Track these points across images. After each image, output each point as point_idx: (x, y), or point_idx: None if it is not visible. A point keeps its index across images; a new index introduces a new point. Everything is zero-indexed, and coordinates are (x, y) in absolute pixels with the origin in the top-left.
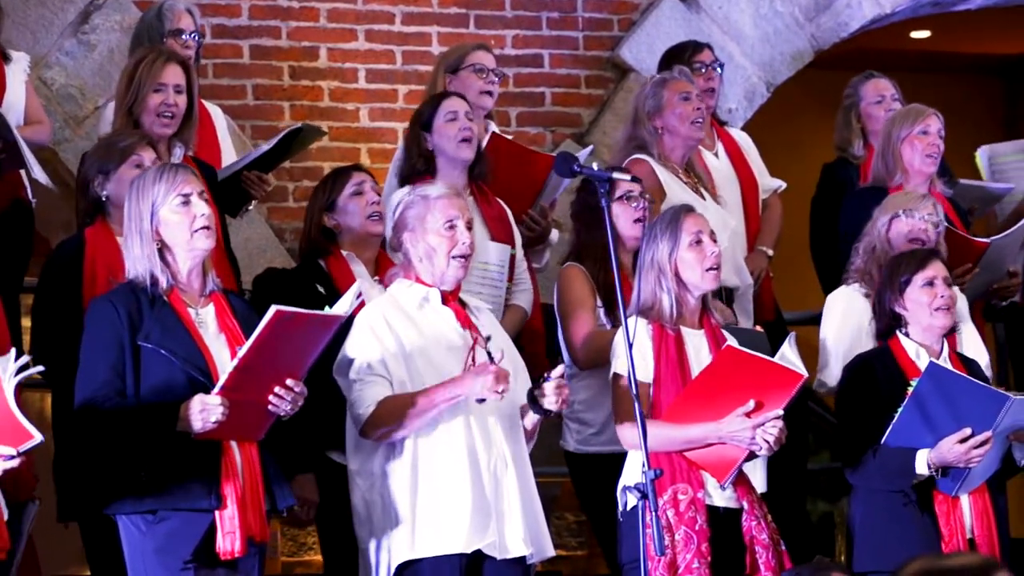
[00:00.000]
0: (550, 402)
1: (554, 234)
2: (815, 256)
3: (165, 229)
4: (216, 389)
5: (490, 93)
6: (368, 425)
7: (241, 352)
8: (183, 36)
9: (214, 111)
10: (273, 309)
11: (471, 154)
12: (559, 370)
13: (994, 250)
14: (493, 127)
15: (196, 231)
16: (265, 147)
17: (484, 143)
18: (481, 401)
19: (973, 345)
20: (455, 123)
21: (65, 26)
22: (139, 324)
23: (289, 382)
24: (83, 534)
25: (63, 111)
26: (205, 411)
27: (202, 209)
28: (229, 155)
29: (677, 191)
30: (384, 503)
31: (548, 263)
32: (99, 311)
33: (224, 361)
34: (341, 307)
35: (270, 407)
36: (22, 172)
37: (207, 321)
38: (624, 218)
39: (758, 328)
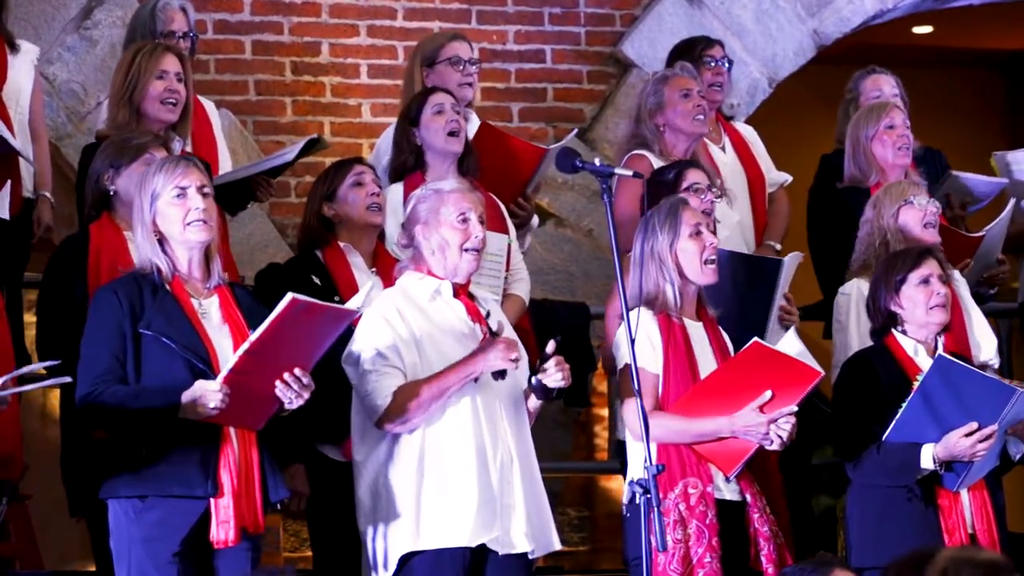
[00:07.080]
0: (555, 379)
1: (535, 219)
2: (812, 246)
3: (161, 220)
4: (223, 373)
5: (469, 84)
6: (386, 416)
7: (253, 336)
8: (175, 37)
9: (210, 107)
10: (289, 296)
11: (459, 147)
12: (552, 346)
13: (987, 240)
14: (474, 117)
15: (189, 224)
16: (289, 155)
17: (472, 133)
18: (501, 375)
19: (983, 331)
20: (442, 116)
21: (67, 21)
22: (141, 312)
23: (297, 371)
24: (91, 528)
25: (65, 106)
26: (204, 397)
27: (197, 203)
28: (225, 151)
29: None
30: (389, 494)
31: (529, 247)
32: (102, 299)
33: (226, 351)
34: (355, 302)
35: (276, 392)
36: (22, 169)
37: (210, 312)
38: None
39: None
